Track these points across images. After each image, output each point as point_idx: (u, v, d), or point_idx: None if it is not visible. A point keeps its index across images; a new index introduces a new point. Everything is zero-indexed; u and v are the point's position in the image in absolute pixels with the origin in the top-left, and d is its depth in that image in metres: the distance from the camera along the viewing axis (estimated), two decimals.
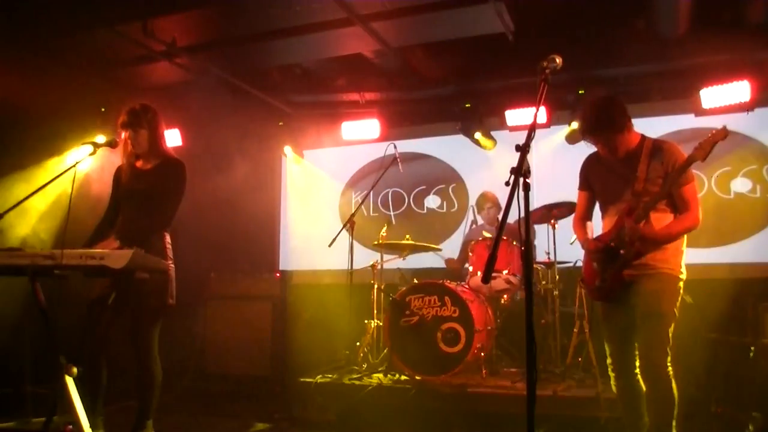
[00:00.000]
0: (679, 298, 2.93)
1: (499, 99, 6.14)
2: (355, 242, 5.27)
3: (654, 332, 2.85)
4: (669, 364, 2.84)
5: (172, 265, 3.40)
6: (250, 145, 7.03)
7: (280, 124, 7.04)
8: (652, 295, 2.87)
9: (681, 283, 2.94)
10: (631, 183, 2.95)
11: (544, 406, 3.73)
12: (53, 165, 5.12)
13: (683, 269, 2.96)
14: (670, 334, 2.86)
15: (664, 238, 2.90)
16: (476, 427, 3.98)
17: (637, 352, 2.94)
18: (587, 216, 3.27)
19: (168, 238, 3.45)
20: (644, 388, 2.93)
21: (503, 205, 2.24)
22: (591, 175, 3.19)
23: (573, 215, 3.38)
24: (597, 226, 3.25)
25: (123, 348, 3.34)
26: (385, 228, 5.34)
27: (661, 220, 2.93)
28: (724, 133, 2.83)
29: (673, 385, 2.83)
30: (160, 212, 3.40)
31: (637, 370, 2.95)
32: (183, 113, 6.21)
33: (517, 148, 2.21)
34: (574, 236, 3.32)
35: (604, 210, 3.15)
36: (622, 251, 2.92)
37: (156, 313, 3.33)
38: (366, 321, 5.09)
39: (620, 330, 3.01)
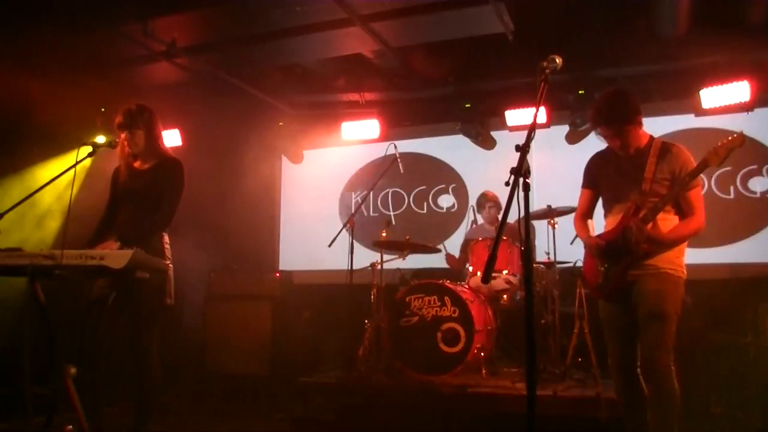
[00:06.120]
0: (681, 297, 2.92)
1: (499, 99, 6.14)
2: (355, 242, 5.26)
3: (658, 332, 2.84)
4: (672, 363, 2.83)
5: (171, 265, 3.39)
6: (250, 146, 7.02)
7: (280, 124, 7.04)
8: (655, 296, 2.86)
9: (682, 282, 2.94)
10: (638, 183, 2.94)
11: (544, 406, 3.74)
12: (53, 165, 5.12)
13: (684, 268, 2.96)
14: (674, 334, 2.86)
15: (671, 241, 2.90)
16: (476, 427, 3.98)
17: (639, 352, 2.94)
18: (589, 214, 3.27)
19: (166, 238, 3.44)
20: (645, 387, 2.92)
21: (504, 204, 2.24)
22: (597, 173, 3.18)
23: (573, 214, 3.37)
24: (599, 224, 3.24)
25: (122, 348, 3.33)
26: (385, 228, 5.34)
27: (665, 221, 2.92)
28: (741, 140, 2.78)
29: (676, 384, 2.82)
30: (160, 212, 3.38)
31: (639, 369, 2.95)
32: (183, 113, 6.21)
33: (517, 148, 2.21)
34: (575, 236, 3.32)
35: (608, 208, 3.14)
36: (629, 251, 2.91)
37: (154, 313, 3.33)
38: (366, 321, 5.09)
39: (622, 329, 3.01)
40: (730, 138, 2.79)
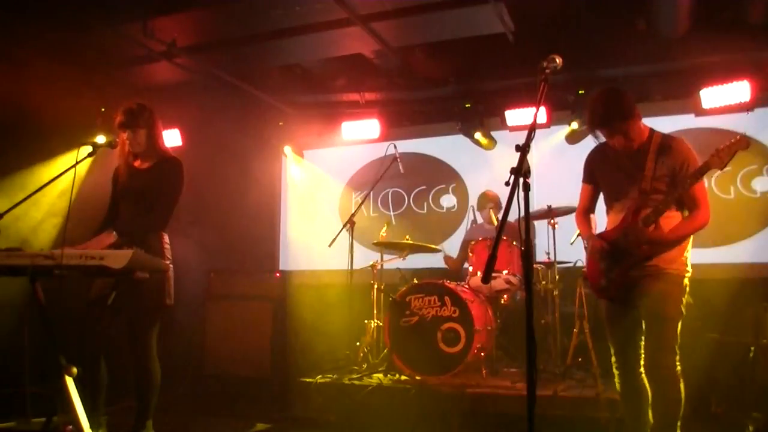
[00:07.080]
0: (686, 297, 2.88)
1: (499, 99, 6.14)
2: (355, 242, 5.26)
3: (662, 334, 2.81)
4: (678, 363, 2.81)
5: (171, 265, 3.39)
6: (250, 146, 7.03)
7: (280, 124, 7.04)
8: (659, 297, 2.83)
9: (686, 281, 2.89)
10: (638, 180, 2.89)
11: (544, 406, 3.73)
12: (54, 165, 5.11)
13: (689, 267, 2.92)
14: (678, 334, 2.83)
15: (674, 241, 2.85)
16: (476, 427, 3.98)
17: (642, 352, 2.92)
18: (590, 209, 3.22)
19: (166, 238, 3.44)
20: (648, 387, 2.90)
21: (504, 204, 2.23)
22: (596, 169, 3.13)
23: (573, 214, 3.35)
24: (601, 221, 3.21)
25: (123, 348, 3.34)
26: (385, 228, 5.34)
27: (666, 218, 2.87)
28: (745, 143, 2.73)
29: (681, 385, 2.80)
30: (155, 211, 3.39)
31: (642, 369, 2.93)
32: (183, 113, 6.21)
33: (517, 148, 2.21)
34: (574, 236, 3.30)
35: (609, 206, 3.09)
36: (629, 252, 2.89)
37: (153, 313, 3.33)
38: (366, 321, 5.09)
39: (624, 329, 2.98)
40: (733, 140, 2.73)
